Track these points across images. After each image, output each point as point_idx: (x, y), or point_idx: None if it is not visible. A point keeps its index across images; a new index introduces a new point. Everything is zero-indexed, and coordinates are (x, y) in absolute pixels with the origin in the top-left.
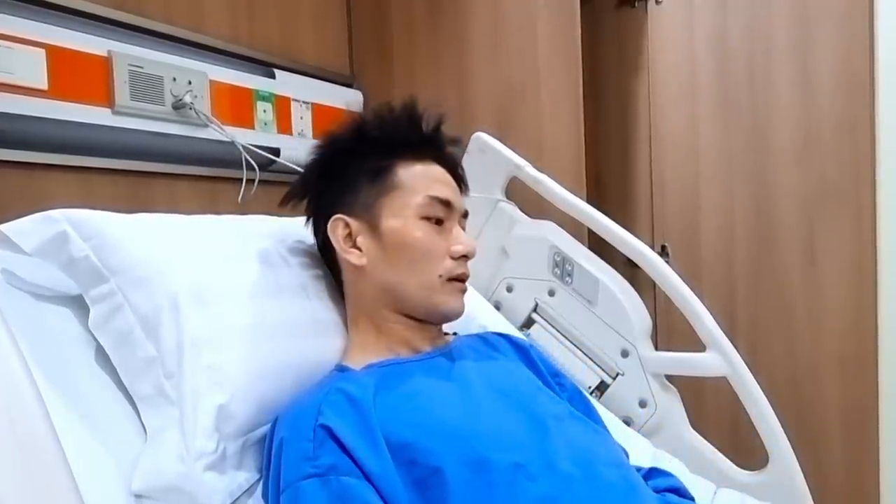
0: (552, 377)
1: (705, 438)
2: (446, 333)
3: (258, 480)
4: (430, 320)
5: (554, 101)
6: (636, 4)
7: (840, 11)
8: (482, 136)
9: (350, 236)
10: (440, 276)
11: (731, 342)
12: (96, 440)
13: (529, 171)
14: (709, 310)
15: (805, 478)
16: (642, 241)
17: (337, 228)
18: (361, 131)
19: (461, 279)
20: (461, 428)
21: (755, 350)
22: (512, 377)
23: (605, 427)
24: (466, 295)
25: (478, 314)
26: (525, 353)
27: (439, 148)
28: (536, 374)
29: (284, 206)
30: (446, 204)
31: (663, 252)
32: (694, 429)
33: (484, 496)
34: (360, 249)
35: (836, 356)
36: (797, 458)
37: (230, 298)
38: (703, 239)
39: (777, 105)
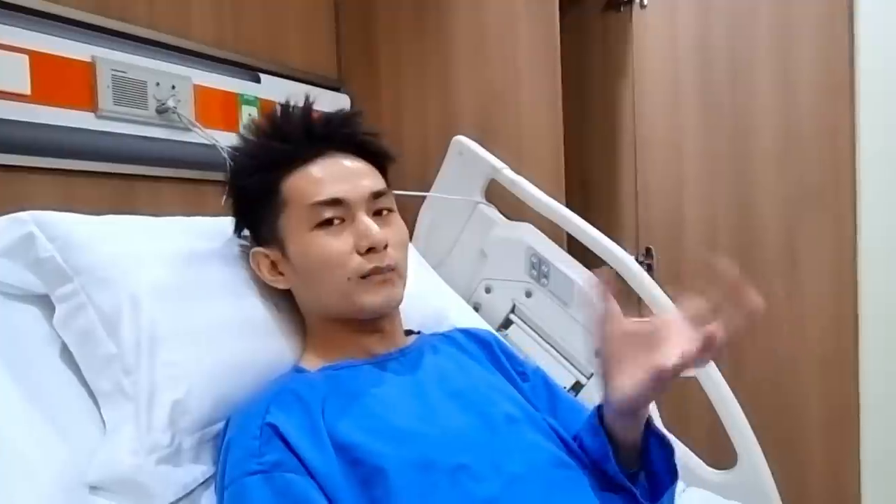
0: (515, 368)
1: (685, 437)
2: (410, 332)
3: (215, 474)
4: (364, 318)
5: (534, 106)
6: (622, 8)
7: (821, 15)
8: (462, 140)
9: (274, 265)
10: (349, 278)
11: None
12: (57, 434)
13: (507, 173)
14: None
15: (785, 479)
16: (627, 243)
17: (259, 262)
18: (237, 161)
19: (376, 273)
20: (407, 429)
21: (738, 350)
22: (469, 377)
23: (576, 408)
24: (442, 294)
25: (450, 314)
26: (489, 348)
27: (324, 140)
28: (499, 368)
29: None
30: (335, 203)
31: (648, 254)
32: (672, 427)
33: (427, 497)
34: (283, 275)
35: (817, 358)
36: (777, 459)
37: (191, 297)
38: (687, 241)
39: (759, 108)
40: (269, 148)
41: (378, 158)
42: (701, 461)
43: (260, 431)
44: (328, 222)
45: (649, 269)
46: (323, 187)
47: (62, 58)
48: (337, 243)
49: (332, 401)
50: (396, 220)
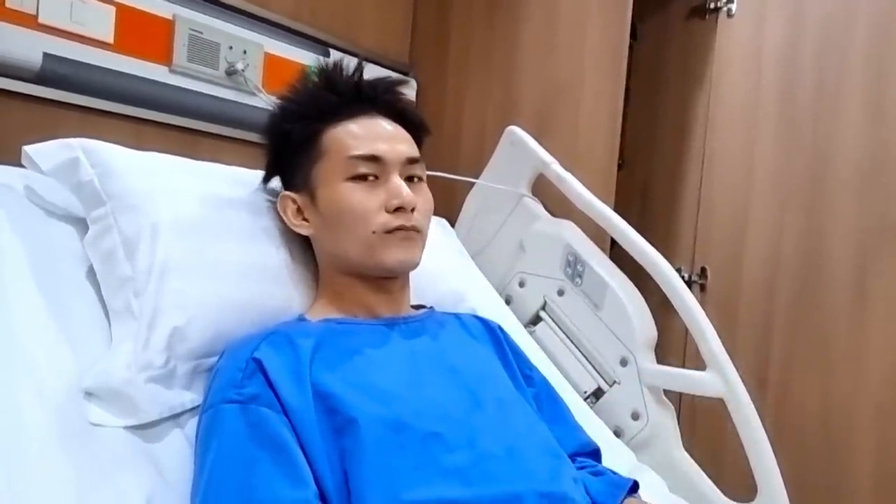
0: (522, 369)
1: (714, 469)
2: (420, 306)
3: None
4: (379, 275)
5: (594, 105)
6: (707, 17)
7: None
8: (515, 130)
9: (300, 211)
10: (374, 231)
11: (761, 375)
12: (68, 343)
13: (556, 168)
14: (741, 339)
15: None
16: (681, 259)
17: (286, 206)
18: (284, 107)
19: (401, 229)
20: (387, 390)
21: (787, 386)
22: (468, 357)
23: (574, 427)
24: (465, 278)
25: (468, 297)
26: (497, 340)
27: (369, 101)
28: (503, 360)
29: (265, 184)
30: (373, 159)
31: (702, 274)
32: (703, 456)
33: (394, 455)
34: (308, 221)
35: (875, 404)
36: None
37: (208, 235)
38: (746, 265)
39: (843, 132)
40: (319, 97)
41: (416, 128)
42: (719, 491)
43: (245, 364)
44: (363, 177)
45: (702, 289)
46: (363, 143)
47: (146, 13)
48: (368, 198)
49: (323, 350)
50: (425, 189)
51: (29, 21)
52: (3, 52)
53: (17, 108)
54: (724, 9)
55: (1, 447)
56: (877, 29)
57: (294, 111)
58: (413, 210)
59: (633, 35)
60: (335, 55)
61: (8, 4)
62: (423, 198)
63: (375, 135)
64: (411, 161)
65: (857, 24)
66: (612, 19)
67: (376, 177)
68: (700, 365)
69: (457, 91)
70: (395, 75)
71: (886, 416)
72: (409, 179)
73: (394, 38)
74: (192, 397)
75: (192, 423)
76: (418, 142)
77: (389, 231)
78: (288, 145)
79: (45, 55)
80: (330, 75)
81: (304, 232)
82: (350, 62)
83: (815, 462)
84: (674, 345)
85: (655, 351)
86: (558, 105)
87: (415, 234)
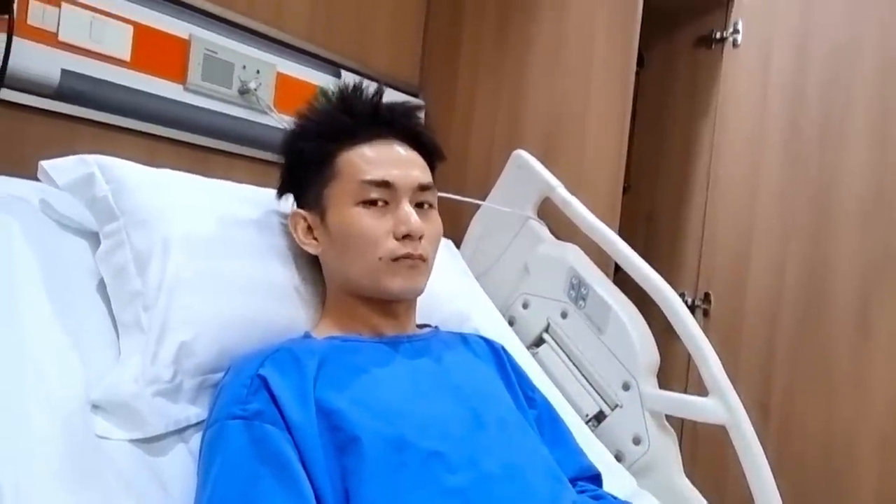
0: (524, 390)
1: (716, 495)
2: (425, 326)
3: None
4: (384, 300)
5: (600, 130)
6: (713, 46)
7: None
8: (521, 154)
9: (310, 229)
10: (380, 258)
11: (764, 402)
12: (78, 356)
13: (561, 192)
14: (744, 366)
15: None
16: (685, 284)
17: (296, 224)
18: (301, 125)
19: (407, 258)
20: (390, 407)
21: (790, 414)
22: (472, 376)
23: (576, 451)
24: (470, 299)
25: (472, 318)
26: (500, 360)
27: (386, 125)
28: (505, 380)
29: (279, 199)
30: (385, 185)
31: (706, 300)
32: (705, 484)
33: (396, 474)
34: (317, 241)
35: (878, 434)
36: None
37: (218, 252)
38: (749, 293)
39: (848, 164)
40: (335, 118)
41: (430, 154)
42: None
43: (250, 381)
44: (373, 202)
45: (705, 314)
46: (376, 168)
47: (163, 32)
48: (376, 223)
49: (328, 368)
50: (435, 216)
51: (49, 38)
52: (23, 68)
53: (35, 122)
54: (730, 39)
55: (10, 456)
56: (883, 62)
57: (310, 130)
58: (421, 238)
59: (640, 62)
60: (347, 76)
61: (30, 22)
62: (431, 225)
63: (389, 160)
64: (423, 188)
65: (862, 56)
66: (619, 47)
67: (387, 202)
68: (702, 391)
69: (465, 114)
70: (408, 98)
71: (890, 446)
72: (418, 206)
73: (404, 60)
74: (197, 412)
75: (196, 438)
76: (432, 167)
77: (396, 258)
78: (302, 163)
79: (64, 71)
80: (348, 97)
81: (312, 251)
82: (369, 86)
83: (817, 491)
84: (677, 370)
85: (658, 376)
86: (565, 129)
87: (420, 263)
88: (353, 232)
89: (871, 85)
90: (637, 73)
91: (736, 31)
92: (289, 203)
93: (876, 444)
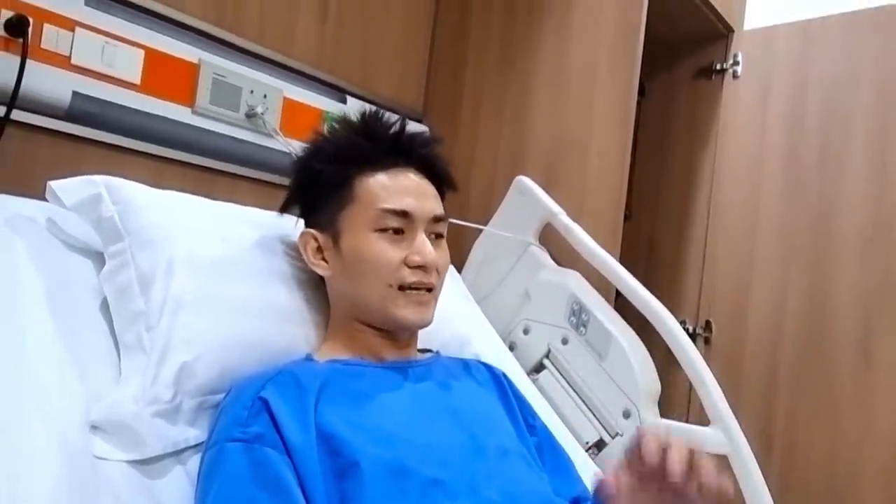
0: (525, 417)
1: None
2: (426, 350)
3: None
4: (390, 329)
5: (602, 158)
6: (713, 77)
7: None
8: (524, 180)
9: (320, 249)
10: (390, 285)
11: (766, 431)
12: (79, 376)
13: (563, 218)
14: (745, 395)
15: None
16: (686, 312)
17: (307, 243)
18: (319, 146)
19: (416, 288)
20: (391, 433)
21: (793, 444)
22: (473, 403)
23: (575, 478)
24: (471, 324)
25: (473, 343)
26: (501, 386)
27: (404, 154)
28: (506, 407)
29: (282, 214)
30: (402, 214)
31: (707, 327)
32: None
33: (396, 500)
34: (327, 262)
35: (882, 464)
36: None
37: (222, 273)
38: (750, 321)
39: (847, 193)
40: (355, 142)
41: (443, 184)
42: None
43: (251, 403)
44: (389, 230)
45: (706, 342)
46: (394, 197)
47: (173, 57)
48: (391, 250)
49: (329, 391)
50: (444, 246)
51: (62, 62)
52: (36, 90)
53: (45, 143)
54: (730, 70)
55: (8, 473)
56: (880, 95)
57: (327, 152)
58: (436, 269)
59: (641, 92)
60: (352, 102)
61: (43, 45)
62: (442, 256)
63: (406, 189)
64: (437, 219)
65: (860, 88)
66: (621, 77)
67: (402, 231)
68: (704, 420)
69: (468, 140)
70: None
71: (894, 473)
72: (431, 235)
73: (409, 87)
74: (195, 434)
75: (194, 460)
76: (442, 196)
77: (404, 287)
78: (317, 184)
79: (75, 94)
80: (369, 122)
81: (321, 272)
82: (391, 115)
83: None
84: (678, 399)
85: (659, 404)
86: (567, 157)
87: (428, 297)
88: (367, 257)
89: (870, 115)
90: (638, 103)
91: (736, 63)
92: (291, 222)
93: (879, 471)
